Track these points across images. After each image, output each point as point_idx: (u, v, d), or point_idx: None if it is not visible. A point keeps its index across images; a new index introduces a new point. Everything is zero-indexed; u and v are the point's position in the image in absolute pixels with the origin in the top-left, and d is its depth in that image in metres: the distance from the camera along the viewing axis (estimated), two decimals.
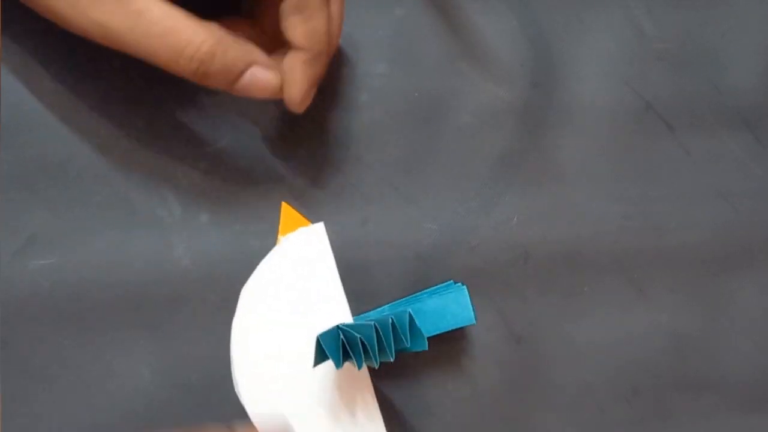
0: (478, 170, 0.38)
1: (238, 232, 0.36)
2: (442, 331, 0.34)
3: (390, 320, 0.31)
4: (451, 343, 0.37)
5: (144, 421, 0.35)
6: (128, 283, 0.35)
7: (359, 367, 0.31)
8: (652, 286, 0.38)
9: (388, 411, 0.36)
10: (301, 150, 0.37)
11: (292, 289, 0.34)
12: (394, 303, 0.36)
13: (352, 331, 0.31)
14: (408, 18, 0.38)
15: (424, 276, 0.37)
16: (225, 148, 0.36)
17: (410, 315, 0.30)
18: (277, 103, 0.37)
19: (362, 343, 0.30)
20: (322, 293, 0.34)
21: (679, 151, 0.39)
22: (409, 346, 0.30)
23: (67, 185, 0.35)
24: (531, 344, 0.37)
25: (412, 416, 0.37)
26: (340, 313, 0.34)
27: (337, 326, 0.31)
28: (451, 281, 0.36)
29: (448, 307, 0.34)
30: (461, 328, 0.37)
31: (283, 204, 0.35)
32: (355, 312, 0.34)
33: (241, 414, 0.32)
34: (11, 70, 0.35)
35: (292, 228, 0.35)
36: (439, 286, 0.36)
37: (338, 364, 0.31)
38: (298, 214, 0.35)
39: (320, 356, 0.31)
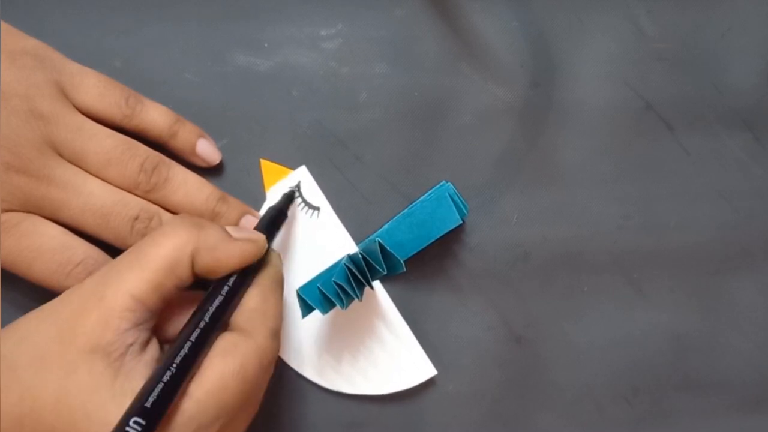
0: (477, 170, 0.38)
1: None
2: (435, 238, 0.34)
3: (360, 255, 0.32)
4: (450, 342, 0.37)
5: None
6: None
7: (360, 298, 0.31)
8: (651, 286, 0.38)
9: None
10: (301, 149, 0.37)
11: (293, 234, 0.36)
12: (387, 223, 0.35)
13: (359, 258, 0.32)
14: (408, 18, 0.38)
15: (424, 276, 0.37)
16: (223, 148, 0.36)
17: (380, 243, 0.31)
18: (277, 103, 0.37)
19: (353, 275, 0.31)
20: (322, 229, 0.36)
21: (679, 151, 0.39)
22: (385, 272, 0.31)
23: None
24: (531, 344, 0.37)
25: (412, 416, 0.37)
26: (344, 243, 0.36)
27: (324, 272, 0.33)
28: (444, 181, 0.35)
29: (436, 213, 0.34)
30: (461, 328, 0.37)
31: (262, 160, 0.36)
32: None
33: None
34: None
35: (276, 180, 0.36)
36: (431, 189, 0.35)
37: (324, 311, 0.32)
38: (278, 166, 0.36)
39: (305, 308, 0.32)
